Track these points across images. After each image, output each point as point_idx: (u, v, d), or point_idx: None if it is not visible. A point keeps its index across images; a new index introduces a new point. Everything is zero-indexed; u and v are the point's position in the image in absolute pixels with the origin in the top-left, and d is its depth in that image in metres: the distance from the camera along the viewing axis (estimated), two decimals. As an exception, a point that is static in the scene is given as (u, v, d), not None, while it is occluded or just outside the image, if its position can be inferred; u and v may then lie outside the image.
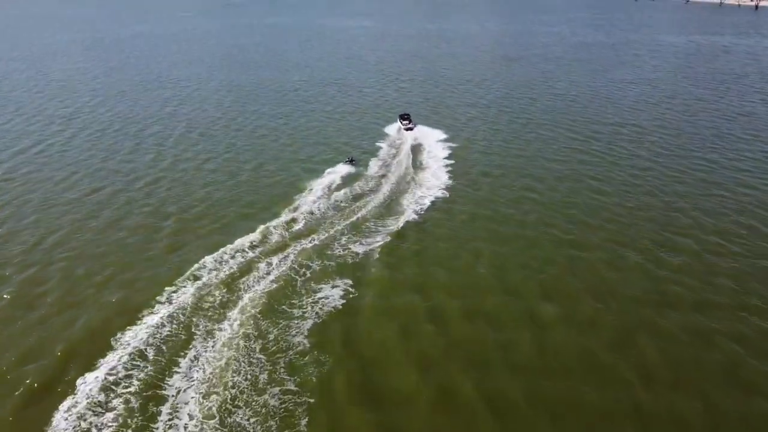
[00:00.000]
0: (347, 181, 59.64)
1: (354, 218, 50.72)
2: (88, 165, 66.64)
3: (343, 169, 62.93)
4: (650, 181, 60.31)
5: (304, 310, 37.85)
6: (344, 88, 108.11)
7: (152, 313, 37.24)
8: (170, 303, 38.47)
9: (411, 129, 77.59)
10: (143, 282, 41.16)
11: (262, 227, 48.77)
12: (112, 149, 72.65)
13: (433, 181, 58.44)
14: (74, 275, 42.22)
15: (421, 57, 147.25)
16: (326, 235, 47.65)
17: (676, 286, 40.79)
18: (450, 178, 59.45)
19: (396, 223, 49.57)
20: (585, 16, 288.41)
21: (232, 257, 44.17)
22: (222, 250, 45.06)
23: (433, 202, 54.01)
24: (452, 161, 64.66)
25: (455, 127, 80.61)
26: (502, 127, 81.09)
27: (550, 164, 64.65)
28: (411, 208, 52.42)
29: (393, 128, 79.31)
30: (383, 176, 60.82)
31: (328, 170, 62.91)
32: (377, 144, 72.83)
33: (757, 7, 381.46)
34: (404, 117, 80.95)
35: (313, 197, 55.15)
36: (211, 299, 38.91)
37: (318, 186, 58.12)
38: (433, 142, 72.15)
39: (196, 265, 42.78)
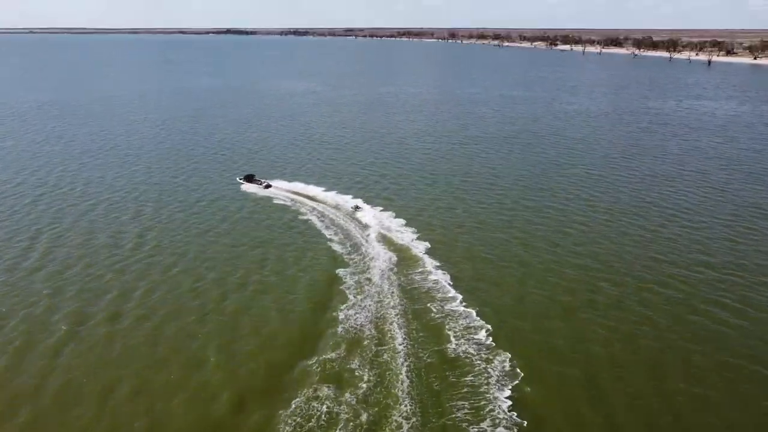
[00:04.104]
0: None
1: None
2: None
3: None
4: None
5: None
6: (294, 219, 73.39)
7: None
8: None
9: (270, 186, 76.44)
10: None
11: None
12: None
13: None
14: None
15: (387, 141, 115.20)
16: None
17: None
18: None
19: None
20: (548, 75, 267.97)
21: None
22: None
23: None
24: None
25: (476, 288, 47.79)
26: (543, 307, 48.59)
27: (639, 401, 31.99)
28: None
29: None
30: None
31: None
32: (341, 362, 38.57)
33: (709, 62, 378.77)
34: (251, 178, 79.09)
35: None
36: None
37: None
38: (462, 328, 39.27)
39: None
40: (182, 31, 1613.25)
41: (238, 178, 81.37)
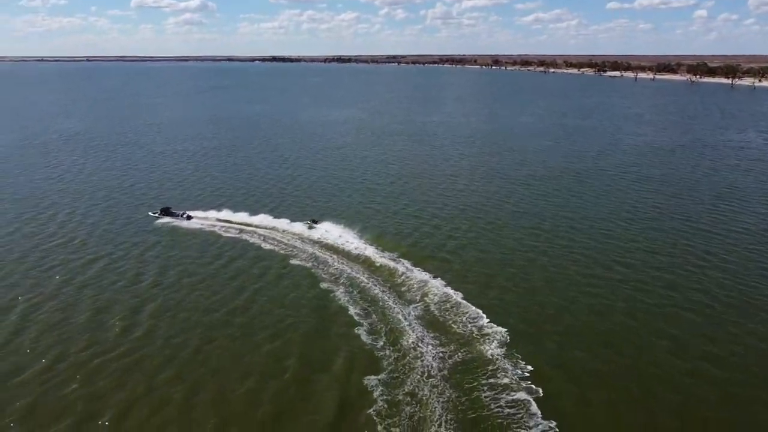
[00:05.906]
0: None
1: None
2: None
3: None
4: None
5: None
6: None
7: None
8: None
9: (190, 218, 72.38)
10: None
11: None
12: None
13: None
14: None
15: (436, 180, 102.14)
16: None
17: None
18: None
19: None
20: (604, 102, 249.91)
21: None
22: None
23: None
24: None
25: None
26: None
27: None
28: None
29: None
30: None
31: None
32: None
33: (755, 87, 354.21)
34: (167, 211, 74.51)
35: None
36: None
37: None
38: None
39: None
40: (230, 59, 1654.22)
41: (150, 213, 75.78)
